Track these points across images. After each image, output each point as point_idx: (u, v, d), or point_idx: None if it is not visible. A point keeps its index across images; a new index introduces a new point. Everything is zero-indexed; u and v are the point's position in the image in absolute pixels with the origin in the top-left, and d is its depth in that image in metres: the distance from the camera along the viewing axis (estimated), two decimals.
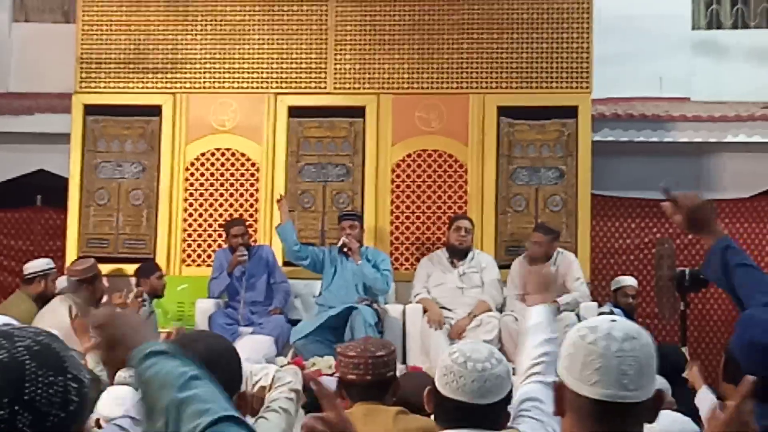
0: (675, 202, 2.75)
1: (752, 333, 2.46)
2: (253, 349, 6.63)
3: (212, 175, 8.39)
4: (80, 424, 1.30)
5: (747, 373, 2.30)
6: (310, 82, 8.40)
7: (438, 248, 7.92)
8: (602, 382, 1.83)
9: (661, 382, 5.12)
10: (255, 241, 8.08)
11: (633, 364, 1.83)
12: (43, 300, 7.28)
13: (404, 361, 7.15)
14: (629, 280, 8.53)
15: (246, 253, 7.54)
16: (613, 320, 1.91)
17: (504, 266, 7.77)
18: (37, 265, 7.36)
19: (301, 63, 8.41)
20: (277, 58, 8.42)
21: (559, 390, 1.91)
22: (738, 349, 2.49)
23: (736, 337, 2.52)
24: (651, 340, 1.92)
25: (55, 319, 6.16)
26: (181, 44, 8.49)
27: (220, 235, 8.10)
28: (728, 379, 2.53)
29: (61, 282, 7.27)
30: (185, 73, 8.46)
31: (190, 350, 2.03)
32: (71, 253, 8.18)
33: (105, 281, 7.23)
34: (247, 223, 8.09)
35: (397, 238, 8.23)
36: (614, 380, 1.82)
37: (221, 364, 2.07)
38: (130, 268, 7.87)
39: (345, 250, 7.57)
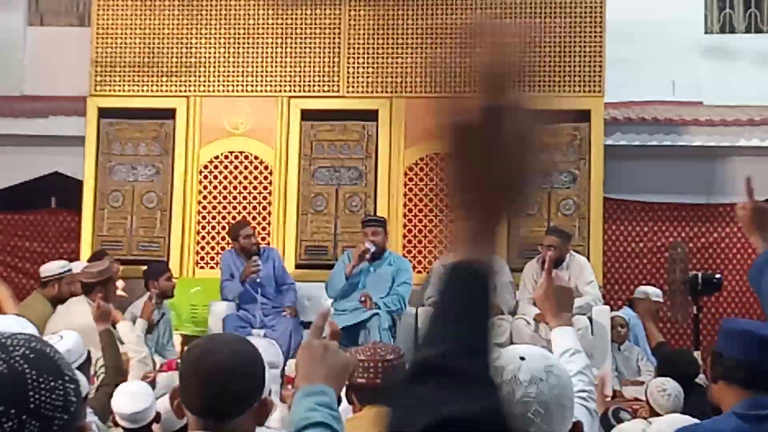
0: (751, 197, 2.76)
1: (737, 325, 2.51)
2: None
3: (225, 177, 8.42)
4: (80, 422, 1.33)
5: (730, 359, 2.37)
6: (323, 85, 8.43)
7: None
8: None
9: (672, 387, 5.16)
10: (268, 243, 8.12)
11: (539, 409, 1.75)
12: (58, 302, 7.33)
13: None
14: (652, 292, 8.44)
15: (260, 264, 7.49)
16: (522, 358, 1.82)
17: (516, 270, 7.77)
18: (52, 268, 7.39)
19: (314, 66, 8.43)
20: (290, 62, 8.45)
21: None
22: (726, 337, 2.52)
23: (724, 330, 2.56)
24: (564, 375, 1.83)
25: (74, 319, 6.21)
26: (195, 47, 8.53)
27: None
28: (715, 380, 2.56)
29: None
30: (199, 76, 8.50)
31: (216, 356, 2.05)
32: (86, 256, 8.22)
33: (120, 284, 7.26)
34: (260, 225, 8.12)
35: (410, 242, 8.24)
36: (520, 428, 1.74)
37: (246, 369, 2.06)
38: None
39: (367, 256, 7.44)
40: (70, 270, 7.41)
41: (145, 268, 7.69)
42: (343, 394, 3.16)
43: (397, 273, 7.53)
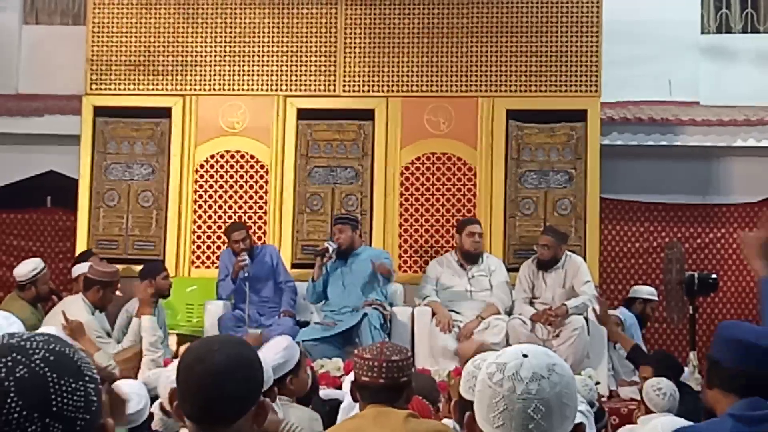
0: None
1: (735, 332, 2.50)
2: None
3: (221, 177, 8.40)
4: (101, 420, 1.35)
5: (728, 368, 2.38)
6: (320, 84, 8.41)
7: (447, 251, 7.92)
8: (506, 426, 1.75)
9: (668, 386, 5.15)
10: (264, 242, 8.10)
11: (540, 406, 1.74)
12: (38, 302, 7.35)
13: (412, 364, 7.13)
14: (646, 291, 8.45)
15: (246, 258, 7.43)
16: (525, 355, 1.81)
17: (512, 269, 7.76)
18: (25, 272, 7.40)
19: (310, 65, 8.42)
20: (287, 61, 8.43)
21: (470, 424, 1.84)
22: (723, 345, 2.51)
23: (721, 337, 2.55)
24: (567, 375, 1.82)
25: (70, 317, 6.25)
26: (191, 46, 8.51)
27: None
28: (711, 387, 2.54)
29: None
30: (195, 75, 8.49)
31: (209, 361, 1.98)
32: None
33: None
34: (256, 225, 8.10)
35: (405, 241, 8.23)
36: (519, 425, 1.74)
37: (240, 373, 2.00)
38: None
39: (327, 254, 7.39)
40: (44, 268, 7.43)
41: (141, 266, 7.69)
42: (349, 390, 3.17)
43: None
